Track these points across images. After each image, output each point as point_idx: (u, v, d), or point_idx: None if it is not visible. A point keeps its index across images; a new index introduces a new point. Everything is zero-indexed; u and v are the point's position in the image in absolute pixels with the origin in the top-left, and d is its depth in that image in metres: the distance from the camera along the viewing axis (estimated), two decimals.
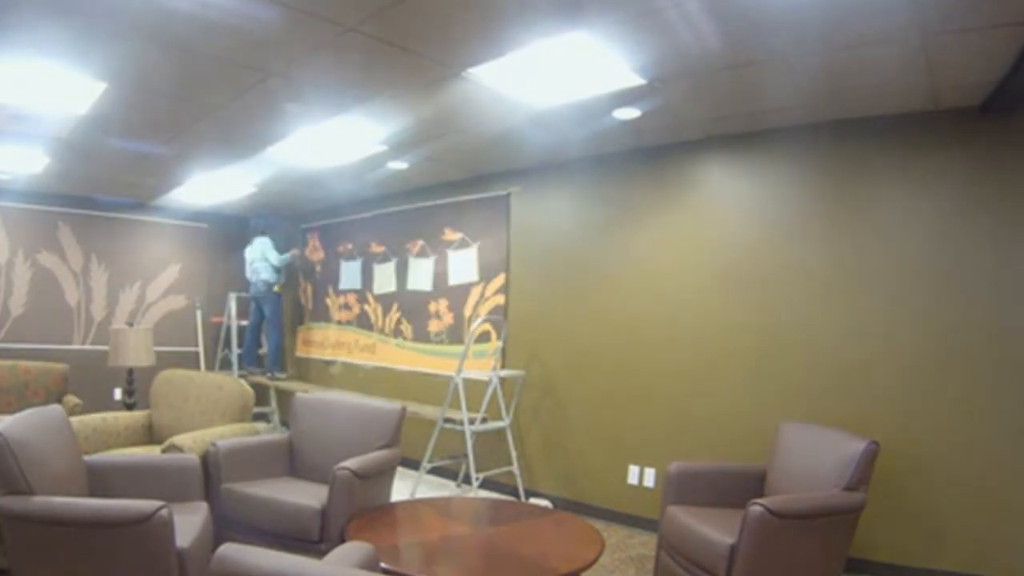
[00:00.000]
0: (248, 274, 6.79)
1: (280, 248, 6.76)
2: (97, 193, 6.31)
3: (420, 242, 5.63)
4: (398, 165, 4.87)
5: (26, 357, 5.53)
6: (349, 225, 6.48)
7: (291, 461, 3.65)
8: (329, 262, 6.74)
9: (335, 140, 4.18)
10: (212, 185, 5.70)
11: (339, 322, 6.55)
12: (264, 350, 6.97)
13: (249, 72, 3.09)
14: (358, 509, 3.03)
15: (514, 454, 4.69)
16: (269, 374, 6.76)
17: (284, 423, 6.70)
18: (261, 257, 6.62)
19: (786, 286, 3.67)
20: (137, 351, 4.50)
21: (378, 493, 3.34)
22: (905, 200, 3.36)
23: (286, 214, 7.19)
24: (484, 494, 4.53)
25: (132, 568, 2.27)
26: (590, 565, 2.49)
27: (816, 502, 2.67)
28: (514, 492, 4.70)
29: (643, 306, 4.21)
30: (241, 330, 7.15)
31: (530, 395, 4.78)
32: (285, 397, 6.54)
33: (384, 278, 6.01)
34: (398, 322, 5.85)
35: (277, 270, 6.63)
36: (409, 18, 2.50)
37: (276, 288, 6.68)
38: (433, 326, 5.51)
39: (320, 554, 2.59)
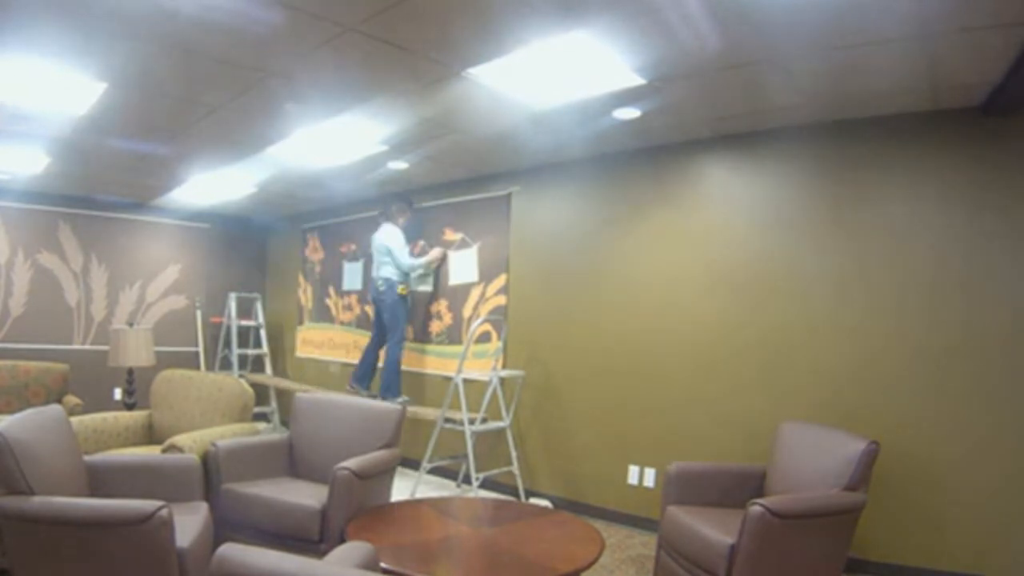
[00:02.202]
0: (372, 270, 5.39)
1: (411, 238, 5.43)
2: (97, 193, 6.31)
3: (420, 242, 5.63)
4: (398, 165, 4.87)
5: (26, 357, 5.55)
6: (349, 225, 6.48)
7: (291, 461, 3.65)
8: (330, 262, 6.74)
9: (335, 140, 4.18)
10: (212, 185, 5.70)
11: (341, 323, 6.55)
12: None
13: (249, 72, 3.09)
14: (358, 509, 3.04)
15: (514, 454, 4.69)
16: (379, 397, 5.06)
17: (284, 423, 6.70)
18: (385, 250, 5.17)
19: (786, 286, 3.67)
20: (137, 351, 4.50)
21: (378, 493, 3.34)
22: (907, 201, 3.36)
23: (287, 213, 7.17)
24: (484, 494, 4.53)
25: (132, 568, 2.26)
26: (590, 565, 2.49)
27: (816, 502, 2.67)
28: (514, 492, 4.70)
29: (644, 306, 4.21)
30: (241, 330, 7.15)
31: (530, 395, 4.78)
32: (285, 397, 6.54)
33: None
34: None
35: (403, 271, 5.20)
36: (409, 18, 2.50)
37: (400, 289, 5.15)
38: (433, 326, 5.50)
39: (320, 554, 2.59)
